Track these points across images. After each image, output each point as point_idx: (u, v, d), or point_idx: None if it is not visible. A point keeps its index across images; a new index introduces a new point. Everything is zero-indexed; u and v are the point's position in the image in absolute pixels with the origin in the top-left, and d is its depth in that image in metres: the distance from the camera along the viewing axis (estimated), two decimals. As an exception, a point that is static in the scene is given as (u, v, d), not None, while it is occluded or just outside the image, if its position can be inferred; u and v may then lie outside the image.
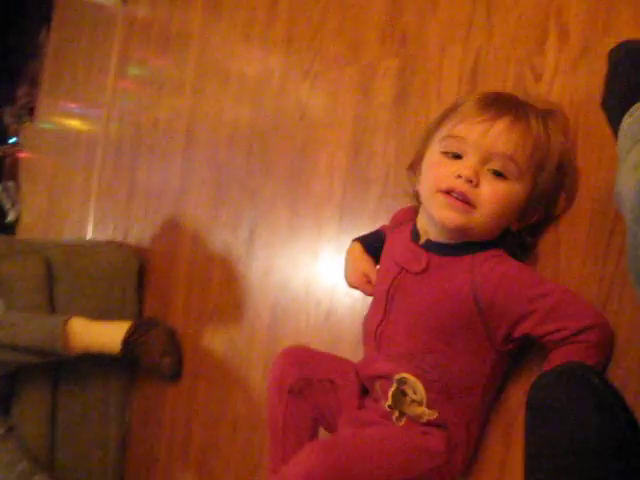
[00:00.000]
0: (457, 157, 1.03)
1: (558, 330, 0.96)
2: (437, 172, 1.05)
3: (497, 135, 1.00)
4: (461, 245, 1.05)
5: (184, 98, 2.45)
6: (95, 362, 2.20)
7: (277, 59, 1.90)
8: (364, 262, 1.23)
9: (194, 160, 2.29)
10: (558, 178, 1.05)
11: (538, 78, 1.13)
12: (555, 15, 1.11)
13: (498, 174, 1.00)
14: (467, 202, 1.00)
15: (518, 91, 1.13)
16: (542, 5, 1.14)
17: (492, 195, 1.00)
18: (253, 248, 1.87)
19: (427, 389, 1.04)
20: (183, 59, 2.50)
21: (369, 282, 1.21)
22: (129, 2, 3.10)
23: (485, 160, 1.00)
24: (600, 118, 1.02)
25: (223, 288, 1.99)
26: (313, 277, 1.64)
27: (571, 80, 1.08)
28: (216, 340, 2.00)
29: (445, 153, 1.04)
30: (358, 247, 1.25)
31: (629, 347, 0.96)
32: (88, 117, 3.45)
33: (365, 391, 1.18)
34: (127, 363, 2.27)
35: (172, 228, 2.34)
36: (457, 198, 1.00)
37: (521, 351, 1.07)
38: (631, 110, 0.76)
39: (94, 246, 2.59)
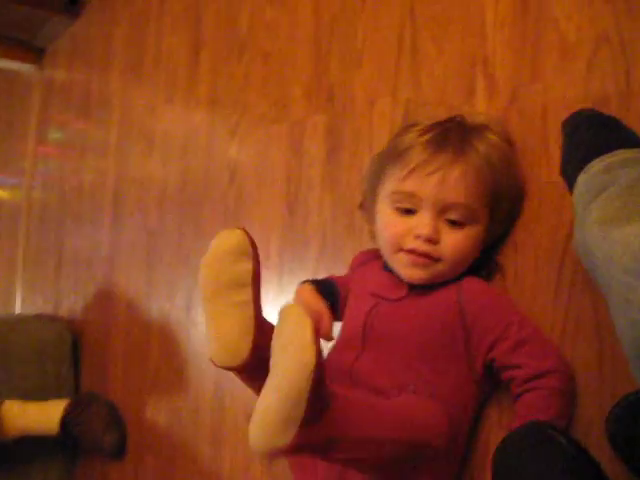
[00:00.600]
0: (411, 212, 1.02)
1: (520, 366, 0.95)
2: (394, 232, 1.03)
3: (451, 187, 0.98)
4: None
5: (109, 162, 2.39)
6: (33, 444, 2.10)
7: (202, 119, 1.86)
8: (315, 300, 1.11)
9: (123, 225, 2.23)
10: (511, 189, 1.03)
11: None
12: (481, 64, 1.11)
13: (454, 223, 1.00)
14: (430, 258, 1.00)
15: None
16: (467, 55, 1.14)
17: (454, 247, 1.00)
18: (191, 314, 1.80)
19: None
20: (105, 122, 2.45)
21: (319, 323, 1.08)
22: (46, 67, 3.04)
23: (441, 212, 1.00)
24: (534, 165, 1.02)
25: (163, 358, 1.92)
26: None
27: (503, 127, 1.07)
28: (160, 412, 1.92)
29: (398, 209, 1.03)
30: (308, 287, 1.16)
31: (585, 397, 0.94)
32: (9, 185, 3.35)
33: None
34: (68, 443, 2.16)
35: (105, 297, 2.26)
36: (420, 255, 1.00)
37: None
38: (585, 168, 0.77)
39: (23, 321, 2.48)
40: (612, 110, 0.93)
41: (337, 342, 1.13)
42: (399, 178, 1.02)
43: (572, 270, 0.96)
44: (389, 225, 1.04)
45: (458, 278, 1.03)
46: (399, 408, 0.93)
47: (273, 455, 0.77)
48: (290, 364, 0.74)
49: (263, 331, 0.90)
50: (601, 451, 0.90)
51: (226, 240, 0.90)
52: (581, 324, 0.94)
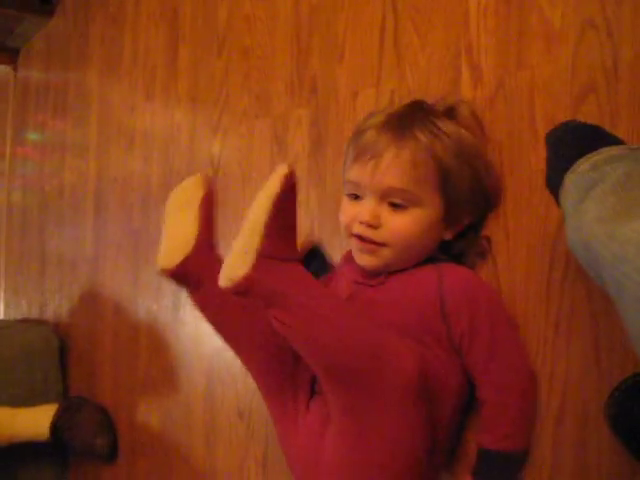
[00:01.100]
0: (359, 197, 1.04)
1: (480, 372, 0.98)
2: (345, 216, 1.06)
3: (384, 171, 0.99)
4: None
5: (89, 162, 2.36)
6: (24, 449, 2.08)
7: (183, 116, 1.84)
8: None
9: (106, 225, 2.20)
10: (473, 174, 1.02)
11: (456, 117, 1.11)
12: (466, 53, 1.10)
13: (396, 206, 1.00)
14: (374, 243, 1.01)
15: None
16: (451, 44, 1.12)
17: (394, 230, 1.00)
18: (179, 314, 1.79)
19: None
20: (84, 122, 2.42)
21: None
22: (20, 69, 3.00)
23: (382, 197, 1.01)
24: (523, 152, 1.01)
25: (152, 359, 1.90)
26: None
27: (490, 116, 1.06)
28: (151, 413, 1.90)
29: (349, 195, 1.05)
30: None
31: (581, 387, 0.93)
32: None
33: None
34: (59, 448, 2.14)
35: (91, 299, 2.24)
36: (366, 241, 1.02)
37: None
38: (572, 168, 0.76)
39: (7, 327, 2.45)
40: (600, 96, 0.92)
41: None
42: (349, 164, 1.06)
43: (565, 258, 0.95)
44: (342, 212, 1.07)
45: (431, 262, 1.04)
46: (366, 318, 0.98)
47: (237, 290, 0.86)
48: (257, 198, 0.88)
49: (203, 252, 1.04)
50: (600, 440, 0.90)
51: (187, 180, 1.09)
52: (575, 313, 0.93)
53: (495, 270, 1.04)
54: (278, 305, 0.89)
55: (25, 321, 2.56)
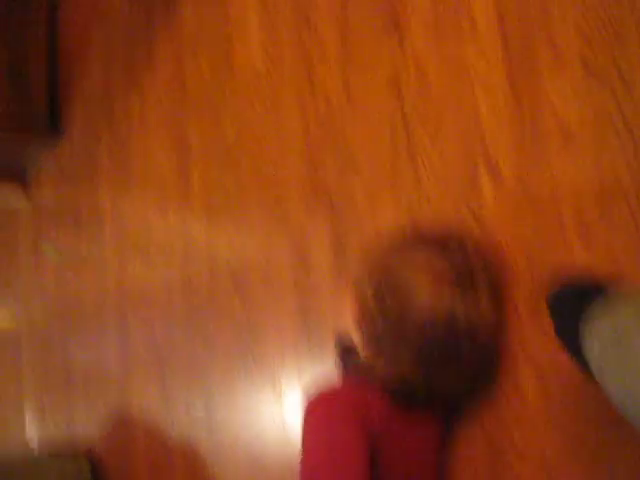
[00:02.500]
0: None
1: None
2: None
3: None
4: None
5: (107, 277, 2.36)
6: None
7: (199, 229, 1.85)
8: None
9: (130, 340, 2.18)
10: None
11: (478, 218, 1.10)
12: (482, 155, 1.09)
13: None
14: None
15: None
16: (467, 148, 1.12)
17: None
18: (212, 425, 1.75)
19: None
20: (99, 238, 2.43)
21: None
22: (33, 196, 3.04)
23: None
24: (552, 250, 1.00)
25: (189, 474, 1.85)
26: (281, 443, 1.53)
27: (513, 213, 1.05)
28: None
29: None
30: None
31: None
32: (7, 313, 3.32)
33: None
34: None
35: (120, 419, 2.20)
36: None
37: None
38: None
39: (39, 463, 2.38)
40: (625, 188, 0.91)
41: None
42: None
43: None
44: None
45: None
46: None
47: None
48: None
49: None
50: None
51: None
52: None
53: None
54: None
55: (58, 457, 2.47)
